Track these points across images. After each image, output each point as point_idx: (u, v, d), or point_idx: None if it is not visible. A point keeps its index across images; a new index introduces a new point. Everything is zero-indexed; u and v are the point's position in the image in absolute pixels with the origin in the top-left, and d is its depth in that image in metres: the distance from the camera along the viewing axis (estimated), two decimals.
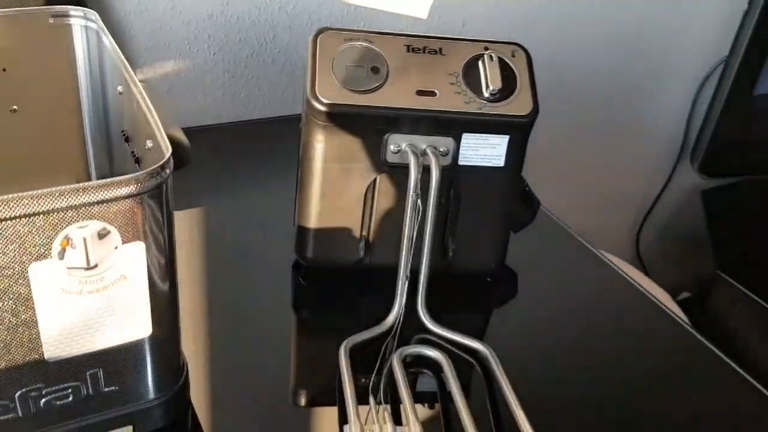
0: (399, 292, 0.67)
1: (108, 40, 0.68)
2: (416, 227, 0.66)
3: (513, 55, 0.69)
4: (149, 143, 0.56)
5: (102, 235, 0.47)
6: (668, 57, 1.51)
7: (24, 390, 0.50)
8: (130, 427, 0.57)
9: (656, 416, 0.64)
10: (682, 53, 1.51)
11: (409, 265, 0.67)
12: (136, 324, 0.53)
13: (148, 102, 0.56)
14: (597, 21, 1.39)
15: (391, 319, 0.67)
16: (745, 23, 1.46)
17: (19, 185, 0.78)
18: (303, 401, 0.63)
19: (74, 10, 0.71)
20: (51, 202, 0.44)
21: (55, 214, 0.45)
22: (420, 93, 0.67)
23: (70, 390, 0.52)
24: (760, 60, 1.47)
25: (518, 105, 0.67)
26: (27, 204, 0.43)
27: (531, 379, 0.65)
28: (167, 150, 0.50)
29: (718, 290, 1.51)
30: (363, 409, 0.59)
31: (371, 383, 0.62)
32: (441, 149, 0.68)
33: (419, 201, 0.65)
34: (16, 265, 0.45)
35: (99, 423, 0.54)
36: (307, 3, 1.15)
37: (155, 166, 0.48)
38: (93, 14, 0.71)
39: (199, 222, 0.86)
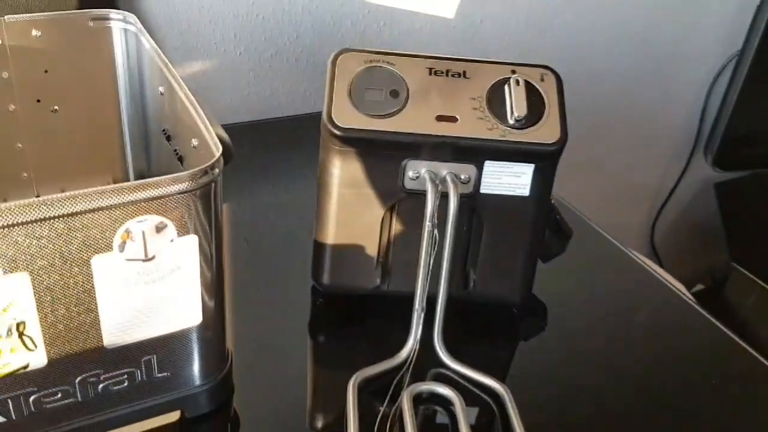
0: (414, 324, 0.64)
1: (148, 42, 0.70)
2: (433, 257, 0.63)
3: (542, 79, 0.65)
4: (195, 141, 0.58)
5: (159, 228, 0.50)
6: (682, 51, 1.48)
7: (84, 376, 0.51)
8: (179, 412, 0.61)
9: None
10: (695, 48, 1.48)
11: (425, 296, 0.64)
12: (187, 312, 0.54)
13: (194, 102, 0.59)
14: (612, 16, 1.36)
15: (404, 352, 0.64)
16: (758, 17, 1.48)
17: (59, 183, 0.81)
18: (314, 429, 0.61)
19: (114, 14, 0.72)
20: (114, 197, 0.46)
21: (118, 209, 0.47)
22: (440, 118, 0.62)
23: (125, 376, 0.53)
24: None
25: (545, 132, 0.63)
26: (92, 199, 0.44)
27: (547, 425, 0.61)
28: (217, 149, 0.52)
29: (732, 281, 1.53)
30: None
31: (378, 420, 0.58)
32: (462, 177, 0.63)
33: (436, 230, 0.62)
34: (80, 258, 0.48)
35: (150, 408, 0.55)
36: (329, 3, 1.12)
37: (207, 164, 0.50)
38: (132, 17, 0.73)
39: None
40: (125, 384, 0.53)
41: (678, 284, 1.27)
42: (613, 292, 0.78)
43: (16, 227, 0.43)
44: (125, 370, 0.52)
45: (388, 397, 0.60)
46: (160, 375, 0.54)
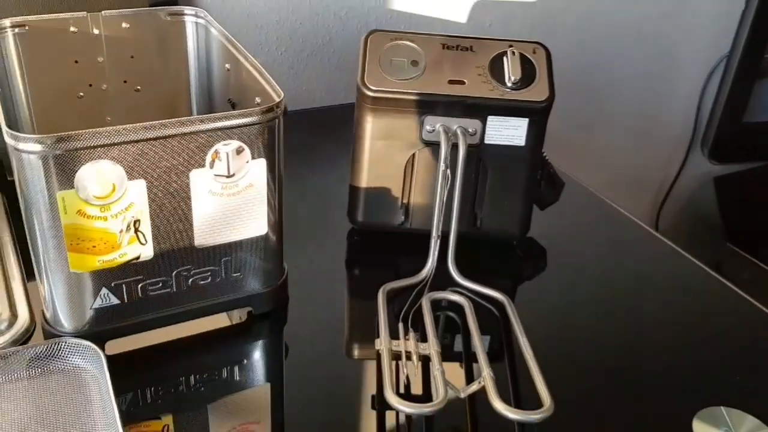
0: (432, 249, 0.78)
1: (217, 30, 0.87)
2: (445, 195, 0.77)
3: (534, 52, 0.80)
4: (258, 99, 0.75)
5: (239, 151, 0.65)
6: (679, 50, 1.57)
7: (179, 269, 0.66)
8: (249, 308, 0.76)
9: (660, 369, 0.72)
10: (691, 46, 1.58)
11: (440, 227, 0.77)
12: (255, 223, 0.69)
13: (259, 66, 0.75)
14: (614, 17, 1.47)
15: (424, 271, 0.78)
16: (743, 22, 1.62)
17: None
18: (351, 331, 0.73)
19: (188, 9, 0.89)
20: (208, 123, 0.62)
21: (210, 132, 0.63)
22: (452, 82, 0.77)
23: (209, 273, 0.67)
24: (758, 54, 1.63)
25: (537, 92, 0.77)
26: (194, 123, 0.59)
27: (544, 327, 0.74)
28: (279, 95, 0.68)
29: (729, 263, 1.66)
30: (394, 334, 0.69)
31: (401, 314, 0.73)
32: (470, 130, 0.78)
33: (448, 171, 0.76)
34: (182, 171, 0.63)
35: (227, 302, 0.70)
36: (357, 10, 1.31)
37: (274, 103, 0.66)
38: (203, 12, 0.90)
39: None
40: (209, 279, 0.68)
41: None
42: (602, 237, 0.93)
43: (140, 143, 0.59)
44: (209, 268, 0.67)
45: (409, 300, 0.75)
46: (234, 275, 0.69)
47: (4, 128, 0.56)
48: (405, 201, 0.83)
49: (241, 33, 1.19)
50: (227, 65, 0.82)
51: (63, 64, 0.85)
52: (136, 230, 0.62)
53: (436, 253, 0.78)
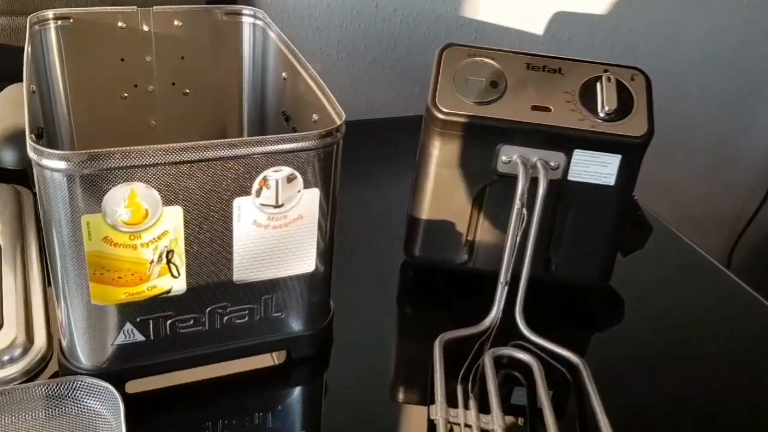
0: (498, 296, 0.69)
1: (275, 34, 0.79)
2: (519, 235, 0.68)
3: (632, 79, 0.70)
4: (315, 116, 0.67)
5: (290, 179, 0.58)
6: (764, 80, 1.55)
7: (213, 306, 0.58)
8: (285, 352, 0.69)
9: None
10: None
11: (510, 271, 0.69)
12: (304, 260, 0.61)
13: (319, 80, 0.67)
14: (702, 40, 1.40)
15: (487, 321, 0.69)
16: None
17: None
18: (400, 384, 0.65)
19: (246, 9, 0.81)
20: (258, 147, 0.53)
21: (260, 157, 0.55)
22: (535, 108, 0.68)
23: (247, 311, 0.60)
24: None
25: (633, 126, 0.68)
26: (241, 147, 0.52)
27: (623, 397, 0.66)
28: (340, 117, 0.60)
29: None
30: (451, 398, 0.61)
31: (461, 374, 0.64)
32: (551, 163, 0.69)
33: (524, 210, 0.67)
34: (225, 198, 0.54)
35: (264, 344, 0.63)
36: (426, 16, 1.22)
37: (333, 126, 0.58)
38: (261, 12, 0.82)
39: None
40: (246, 318, 0.60)
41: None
42: (690, 292, 0.82)
43: (179, 165, 0.51)
44: (247, 306, 0.60)
45: (471, 356, 0.66)
46: (274, 314, 0.61)
47: (28, 140, 0.50)
48: (470, 238, 0.74)
49: (301, 35, 1.12)
50: (284, 74, 0.75)
51: (108, 62, 0.78)
52: (169, 261, 0.55)
53: (503, 301, 0.69)
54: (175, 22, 0.79)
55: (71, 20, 0.75)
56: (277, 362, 0.65)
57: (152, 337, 0.58)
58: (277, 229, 0.57)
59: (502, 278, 0.69)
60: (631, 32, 1.32)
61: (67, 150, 0.80)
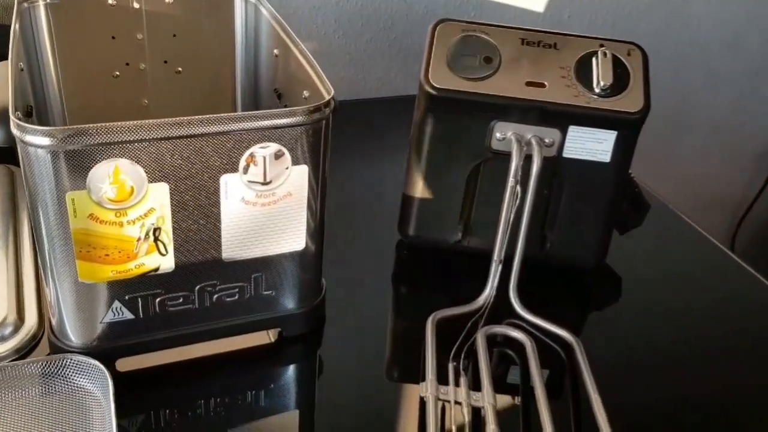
0: (492, 274, 0.69)
1: (267, 11, 0.78)
2: (513, 213, 0.67)
3: (629, 54, 0.69)
4: (306, 93, 0.66)
5: (277, 156, 0.57)
6: (766, 58, 1.53)
7: (203, 284, 0.58)
8: (278, 330, 0.68)
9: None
10: None
11: (504, 250, 0.68)
12: (293, 237, 0.60)
13: (309, 57, 0.66)
14: (698, 20, 1.40)
15: (481, 299, 0.69)
16: None
17: None
18: (392, 363, 0.65)
19: None
20: (243, 122, 0.53)
21: (246, 133, 0.55)
22: (530, 84, 0.68)
23: (237, 289, 0.60)
24: None
25: (629, 102, 0.67)
26: (226, 122, 0.52)
27: (616, 375, 0.65)
28: (329, 92, 0.59)
29: None
30: (442, 376, 0.61)
31: (453, 352, 0.64)
32: (546, 140, 0.68)
33: (518, 187, 0.67)
34: (211, 175, 0.54)
35: (255, 322, 0.62)
36: None
37: (322, 101, 0.58)
38: None
39: None
40: (236, 297, 0.60)
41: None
42: (688, 269, 0.82)
43: (164, 141, 0.51)
44: (237, 284, 0.60)
45: (463, 333, 0.66)
46: (265, 293, 0.61)
47: (12, 117, 0.49)
48: (464, 216, 0.73)
49: (297, 14, 1.11)
50: (276, 51, 0.74)
51: (98, 40, 0.78)
52: (156, 239, 0.55)
53: (497, 279, 0.69)
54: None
55: None
56: (270, 341, 0.65)
57: (141, 315, 0.58)
58: (266, 206, 0.57)
59: (495, 256, 0.68)
60: (632, 11, 1.30)
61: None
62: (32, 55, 0.75)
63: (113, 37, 0.78)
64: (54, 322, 0.58)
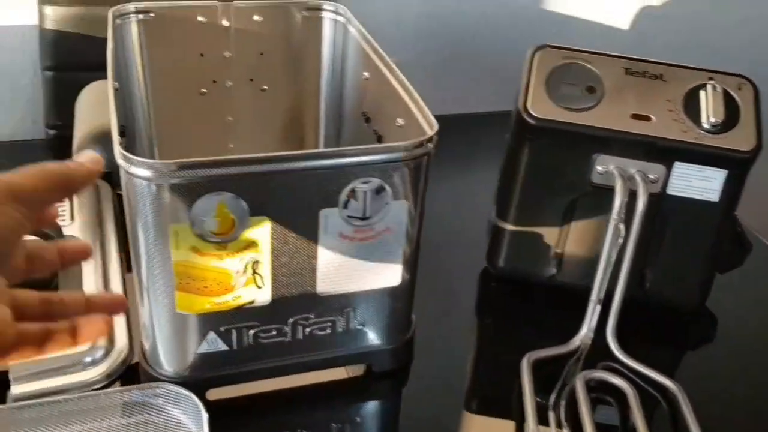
0: (589, 314, 0.66)
1: (357, 32, 0.77)
2: (615, 252, 0.65)
3: (739, 88, 0.66)
4: (400, 121, 0.65)
5: (378, 191, 0.56)
6: None
7: (296, 318, 0.57)
8: (364, 366, 0.66)
9: None
10: None
11: (603, 290, 0.66)
12: (389, 273, 0.59)
13: (406, 83, 0.65)
14: None
15: (577, 340, 0.66)
16: None
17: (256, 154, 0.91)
18: (482, 404, 0.64)
19: (327, 5, 0.79)
20: (346, 158, 0.52)
21: (349, 168, 0.55)
22: (635, 117, 0.65)
23: (329, 323, 0.59)
24: None
25: (740, 139, 0.64)
26: (330, 157, 0.52)
27: (722, 425, 0.63)
28: (432, 126, 0.58)
29: None
30: (541, 421, 0.59)
31: (551, 401, 0.62)
32: (651, 176, 0.65)
33: (622, 226, 0.64)
34: (311, 209, 0.53)
35: (344, 357, 0.62)
36: (507, 8, 1.14)
37: (425, 137, 0.56)
38: (343, 8, 0.80)
39: None
40: (328, 331, 0.59)
41: None
42: None
43: (268, 175, 0.51)
44: (329, 318, 0.59)
45: (561, 379, 0.63)
46: (357, 327, 0.60)
47: (117, 147, 0.49)
48: (558, 250, 0.71)
49: (377, 28, 1.10)
50: (365, 74, 0.73)
51: (187, 57, 0.78)
52: (254, 272, 0.54)
53: (594, 319, 0.66)
54: (255, 17, 0.78)
55: (152, 14, 0.75)
56: (355, 375, 0.64)
57: (235, 347, 0.57)
58: (363, 241, 0.56)
59: (594, 296, 0.66)
60: (725, 30, 1.26)
61: (145, 147, 0.81)
62: (122, 72, 0.75)
63: (201, 55, 0.79)
64: (147, 349, 0.58)
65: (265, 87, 0.82)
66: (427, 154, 0.54)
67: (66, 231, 0.70)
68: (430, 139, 0.54)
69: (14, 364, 0.58)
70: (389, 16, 1.10)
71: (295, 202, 0.52)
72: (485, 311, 0.74)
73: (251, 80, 0.82)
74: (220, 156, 0.84)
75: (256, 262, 0.54)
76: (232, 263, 0.53)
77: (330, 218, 0.54)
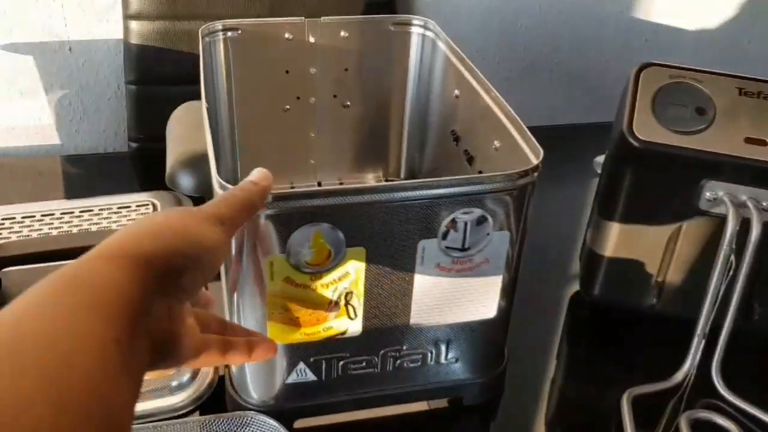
0: (693, 349, 0.63)
1: (446, 47, 0.73)
2: (724, 284, 0.61)
3: None
4: (497, 143, 0.63)
5: (480, 222, 0.54)
6: None
7: (387, 349, 0.56)
8: (455, 398, 0.65)
9: None
10: None
11: (709, 323, 0.62)
12: (485, 305, 0.56)
13: (505, 105, 0.63)
14: None
15: (680, 375, 0.63)
16: None
17: (337, 172, 0.89)
18: None
19: (416, 19, 0.77)
20: (447, 189, 0.49)
21: (450, 199, 0.52)
22: (748, 140, 0.61)
23: (420, 355, 0.57)
24: None
25: None
26: (431, 188, 0.49)
27: None
28: (537, 154, 0.55)
29: None
30: None
31: None
32: (764, 204, 0.61)
33: (732, 256, 0.61)
34: (408, 240, 0.51)
35: (434, 389, 0.59)
36: (592, 16, 1.10)
37: (530, 166, 0.54)
38: (431, 23, 0.77)
39: None
40: (418, 363, 0.57)
41: None
42: None
43: (366, 206, 0.49)
44: (421, 350, 0.57)
45: (664, 418, 0.60)
46: (447, 360, 0.58)
47: (214, 177, 0.48)
48: (660, 279, 0.67)
49: (458, 37, 1.07)
50: (456, 92, 0.70)
51: (273, 74, 0.77)
52: (347, 302, 0.52)
53: (699, 355, 0.63)
54: (342, 33, 0.77)
55: (240, 31, 0.74)
56: (437, 407, 0.62)
57: (323, 377, 0.56)
58: (461, 272, 0.53)
59: (699, 330, 0.62)
60: None
61: (229, 163, 0.80)
62: (209, 89, 0.75)
63: (287, 71, 0.78)
64: (235, 376, 0.57)
65: (348, 103, 0.81)
66: (532, 183, 0.52)
67: None
68: (535, 168, 0.51)
69: None
70: (471, 24, 1.07)
71: (392, 233, 0.50)
72: (579, 341, 0.71)
73: (335, 96, 0.80)
74: (301, 172, 0.85)
75: (349, 293, 0.52)
76: (326, 293, 0.51)
77: (428, 249, 0.51)
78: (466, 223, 0.51)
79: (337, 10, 0.93)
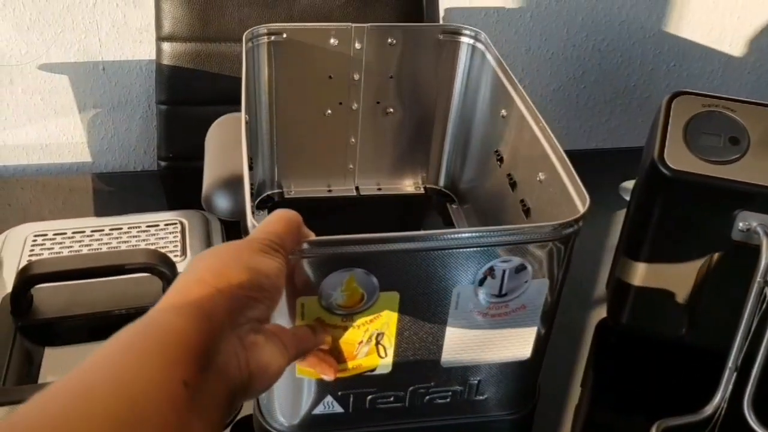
0: (724, 382, 0.59)
1: (496, 62, 0.65)
2: (758, 316, 0.57)
3: None
4: (542, 175, 0.59)
5: (518, 269, 0.53)
6: None
7: (416, 386, 0.51)
8: None
9: None
10: None
11: (741, 356, 0.58)
12: (519, 347, 0.52)
13: (551, 137, 0.59)
14: None
15: (710, 408, 0.59)
16: None
17: (374, 178, 0.86)
18: None
19: (466, 29, 0.68)
20: (489, 237, 0.46)
21: (490, 248, 0.50)
22: None
23: (450, 392, 0.52)
24: None
25: None
26: (471, 237, 0.45)
27: None
28: (584, 203, 0.48)
29: None
30: None
31: None
32: None
33: (766, 288, 0.57)
34: (443, 285, 0.46)
35: (462, 424, 0.55)
36: (620, 42, 1.04)
37: (576, 216, 0.51)
38: (483, 35, 0.68)
39: None
40: (448, 399, 0.53)
41: None
42: None
43: (402, 253, 0.47)
44: (451, 388, 0.52)
45: None
46: (477, 397, 0.55)
47: (248, 212, 0.47)
48: (690, 309, 0.61)
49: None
50: (503, 111, 0.67)
51: (316, 79, 0.73)
52: (377, 342, 0.50)
53: (730, 388, 0.60)
54: (389, 40, 0.72)
55: (284, 36, 0.72)
56: None
57: (351, 410, 0.53)
58: (496, 317, 0.51)
59: (731, 363, 0.56)
60: None
61: (267, 168, 0.78)
62: (250, 93, 0.73)
63: (330, 77, 0.74)
64: (264, 404, 0.56)
65: (391, 110, 0.77)
66: (575, 233, 0.49)
67: (179, 267, 0.69)
68: (582, 217, 0.48)
69: None
70: (498, 48, 1.01)
71: (428, 279, 0.45)
72: (606, 370, 0.65)
73: (378, 103, 0.76)
74: (339, 176, 0.83)
75: (380, 334, 0.50)
76: (356, 334, 0.50)
77: (463, 294, 0.48)
78: (504, 271, 0.48)
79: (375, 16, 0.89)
